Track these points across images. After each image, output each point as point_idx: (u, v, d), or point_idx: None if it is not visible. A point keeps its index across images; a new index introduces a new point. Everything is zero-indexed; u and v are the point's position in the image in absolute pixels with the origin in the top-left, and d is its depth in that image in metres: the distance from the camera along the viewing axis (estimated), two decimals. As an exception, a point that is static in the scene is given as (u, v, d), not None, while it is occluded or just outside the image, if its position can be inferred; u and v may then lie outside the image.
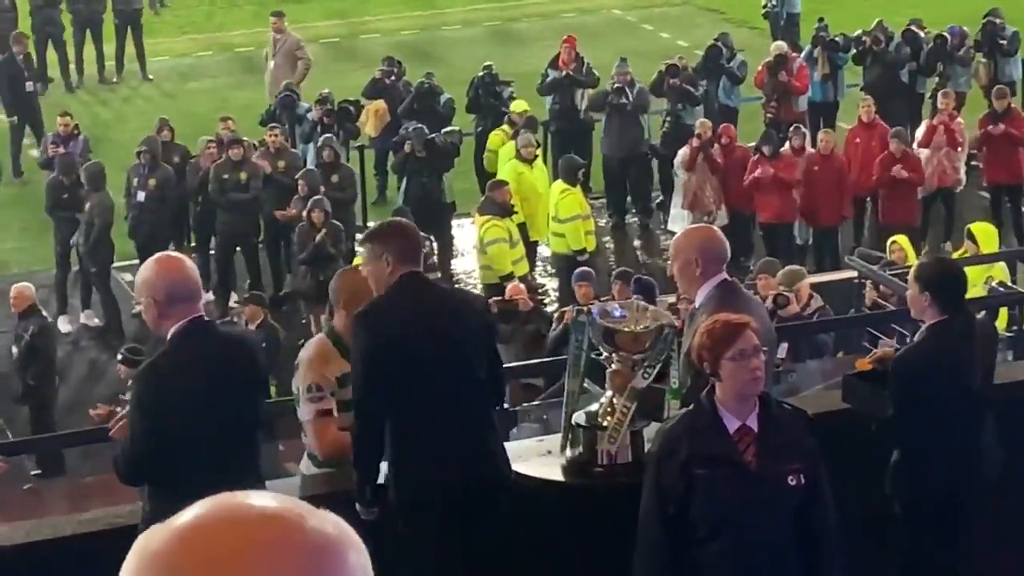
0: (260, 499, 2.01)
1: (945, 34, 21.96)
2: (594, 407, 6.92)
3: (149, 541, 1.99)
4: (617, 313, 6.90)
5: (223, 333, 6.79)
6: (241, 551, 1.95)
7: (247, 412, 6.58)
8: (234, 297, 17.94)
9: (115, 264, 18.03)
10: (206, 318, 6.53)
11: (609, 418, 6.81)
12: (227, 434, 6.41)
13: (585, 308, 7.35)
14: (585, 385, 7.05)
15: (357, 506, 6.76)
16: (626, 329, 6.79)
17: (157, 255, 6.67)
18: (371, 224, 19.49)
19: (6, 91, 23.02)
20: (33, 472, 13.04)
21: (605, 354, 6.90)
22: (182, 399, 6.33)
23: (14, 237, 20.72)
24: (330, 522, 2.02)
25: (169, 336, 6.38)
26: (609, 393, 6.87)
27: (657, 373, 6.79)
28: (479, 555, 6.90)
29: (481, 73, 21.21)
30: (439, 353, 6.75)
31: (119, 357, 14.32)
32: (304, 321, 17.56)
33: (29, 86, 22.81)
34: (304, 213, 17.10)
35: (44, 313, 15.65)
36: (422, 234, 16.66)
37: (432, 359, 6.74)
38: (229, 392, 6.44)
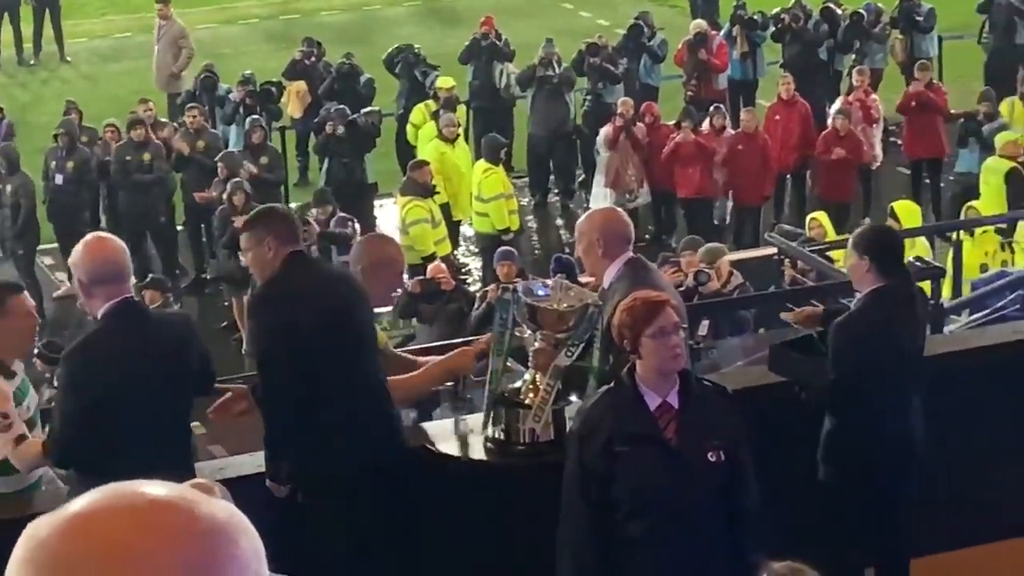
0: (152, 487, 2.00)
1: (861, 11, 22.15)
2: (517, 385, 6.95)
3: (37, 529, 1.96)
4: (541, 292, 6.92)
5: (154, 314, 6.78)
6: (132, 538, 1.93)
7: (179, 394, 6.57)
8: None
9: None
10: (135, 299, 6.52)
11: (532, 396, 6.84)
12: (158, 416, 6.41)
13: (510, 286, 7.38)
14: (508, 364, 7.08)
15: (268, 482, 6.76)
16: (550, 307, 6.83)
17: (87, 236, 6.68)
18: (293, 205, 19.65)
19: None
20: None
21: (529, 332, 6.93)
22: (112, 379, 6.33)
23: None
24: (221, 508, 2.01)
25: (99, 316, 6.39)
26: (532, 371, 6.90)
27: (580, 352, 6.83)
28: (397, 532, 6.91)
29: (411, 51, 21.21)
30: (338, 329, 6.79)
31: (35, 351, 14.21)
32: (227, 304, 17.49)
33: None
34: (225, 196, 17.02)
35: None
36: (344, 215, 16.63)
37: (332, 336, 6.76)
38: (160, 373, 6.44)
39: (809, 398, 7.46)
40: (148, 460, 6.06)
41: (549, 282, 7.11)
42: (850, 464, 7.44)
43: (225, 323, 17.38)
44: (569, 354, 6.78)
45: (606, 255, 7.12)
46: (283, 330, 6.72)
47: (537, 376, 6.85)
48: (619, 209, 7.88)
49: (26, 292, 7.24)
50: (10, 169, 17.53)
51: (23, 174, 17.67)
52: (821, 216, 15.84)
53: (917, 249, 14.39)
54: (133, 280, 6.81)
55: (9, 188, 17.47)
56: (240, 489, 5.19)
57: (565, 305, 6.83)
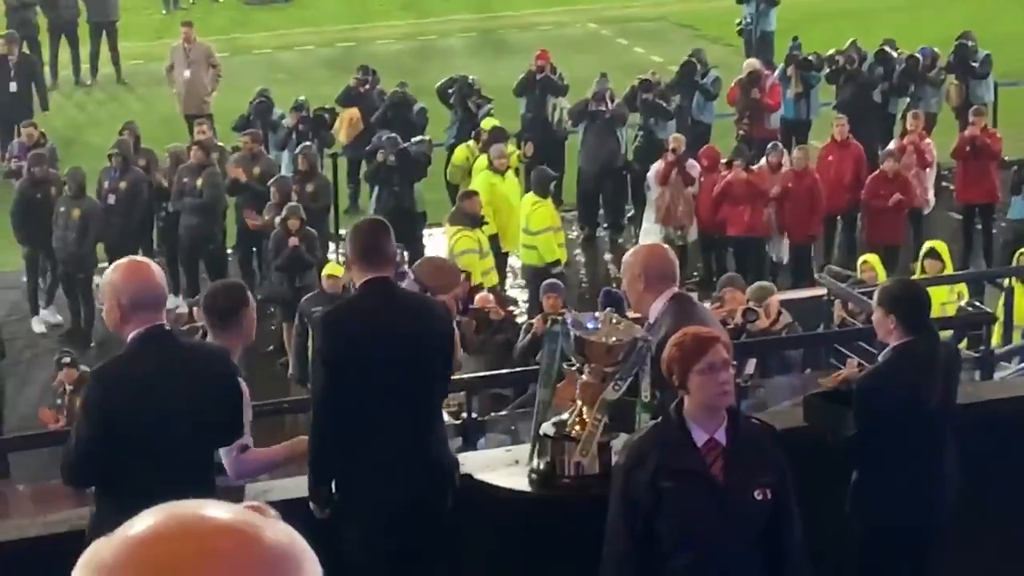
0: (214, 509, 1.97)
1: (917, 55, 22.08)
2: (563, 417, 6.93)
3: (98, 553, 1.93)
4: (590, 324, 6.91)
5: (184, 343, 6.64)
6: (198, 563, 1.90)
7: (203, 423, 6.42)
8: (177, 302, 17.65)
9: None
10: (167, 327, 6.43)
11: (579, 429, 6.81)
12: (179, 444, 6.28)
13: (559, 318, 7.36)
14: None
15: (311, 505, 6.76)
16: (599, 341, 6.80)
17: (125, 259, 6.64)
18: (343, 232, 19.68)
19: None
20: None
21: (577, 365, 6.91)
22: (131, 405, 6.23)
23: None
24: (285, 533, 2.00)
25: (128, 340, 6.34)
26: (579, 404, 6.87)
27: (628, 385, 6.80)
28: (439, 561, 6.87)
29: (465, 81, 21.26)
30: (399, 360, 6.75)
31: (66, 360, 14.45)
32: (273, 328, 17.51)
33: (13, 87, 22.74)
34: (278, 220, 17.08)
35: None
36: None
37: (391, 366, 6.74)
38: (184, 402, 6.31)
39: (838, 450, 7.43)
40: (165, 488, 6.08)
41: (598, 315, 7.09)
42: (874, 518, 7.39)
43: (271, 347, 17.39)
44: (617, 388, 6.76)
45: (649, 289, 7.11)
46: (335, 356, 6.71)
47: (584, 409, 6.82)
48: (664, 245, 7.85)
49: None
50: (77, 192, 17.66)
51: (90, 199, 17.83)
52: (872, 259, 15.77)
53: (961, 289, 14.38)
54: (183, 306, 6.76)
55: (77, 212, 17.56)
56: (284, 513, 5.20)
57: (614, 339, 6.80)
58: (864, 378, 7.47)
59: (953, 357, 7.97)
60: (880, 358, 7.51)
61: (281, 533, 1.99)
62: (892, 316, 7.34)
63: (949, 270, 15.42)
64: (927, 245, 15.81)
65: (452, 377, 7.63)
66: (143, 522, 1.95)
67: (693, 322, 6.53)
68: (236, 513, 1.97)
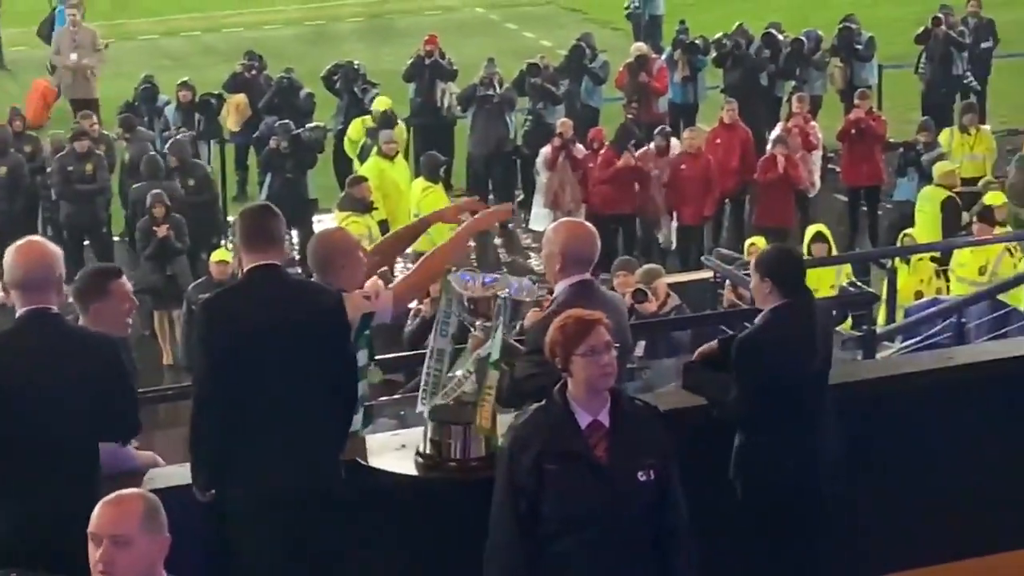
0: None
1: (802, 38, 22.28)
2: (458, 374, 6.83)
3: None
4: (466, 278, 6.91)
5: (67, 327, 6.45)
6: None
7: (86, 412, 6.26)
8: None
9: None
10: (53, 310, 6.29)
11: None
12: (60, 432, 6.16)
13: (452, 269, 7.29)
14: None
15: (193, 489, 6.64)
16: (482, 296, 6.81)
17: (22, 239, 6.51)
18: (231, 219, 19.54)
19: None
20: None
21: (469, 318, 6.87)
22: (11, 381, 6.12)
23: None
24: None
25: (15, 318, 6.28)
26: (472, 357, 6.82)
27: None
28: (323, 553, 6.74)
29: (351, 67, 21.20)
30: (283, 350, 6.59)
31: None
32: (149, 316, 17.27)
33: None
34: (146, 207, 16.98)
35: None
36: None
37: (274, 354, 6.58)
38: (66, 388, 6.19)
39: (719, 415, 7.44)
40: (47, 479, 6.02)
41: (472, 271, 7.09)
42: (756, 481, 7.40)
43: (148, 331, 17.16)
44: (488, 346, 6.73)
45: (562, 270, 7.05)
46: (217, 342, 6.58)
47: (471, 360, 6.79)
48: (590, 227, 7.61)
49: (125, 276, 7.15)
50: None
51: None
52: (760, 241, 15.90)
53: (846, 272, 14.57)
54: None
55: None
56: (172, 500, 5.13)
57: (485, 293, 6.81)
58: (742, 339, 7.43)
59: (828, 315, 8.03)
60: (757, 320, 7.51)
61: None
62: (768, 280, 7.38)
63: (835, 252, 15.61)
64: (812, 229, 15.97)
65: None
66: None
67: (589, 308, 6.45)
68: None
